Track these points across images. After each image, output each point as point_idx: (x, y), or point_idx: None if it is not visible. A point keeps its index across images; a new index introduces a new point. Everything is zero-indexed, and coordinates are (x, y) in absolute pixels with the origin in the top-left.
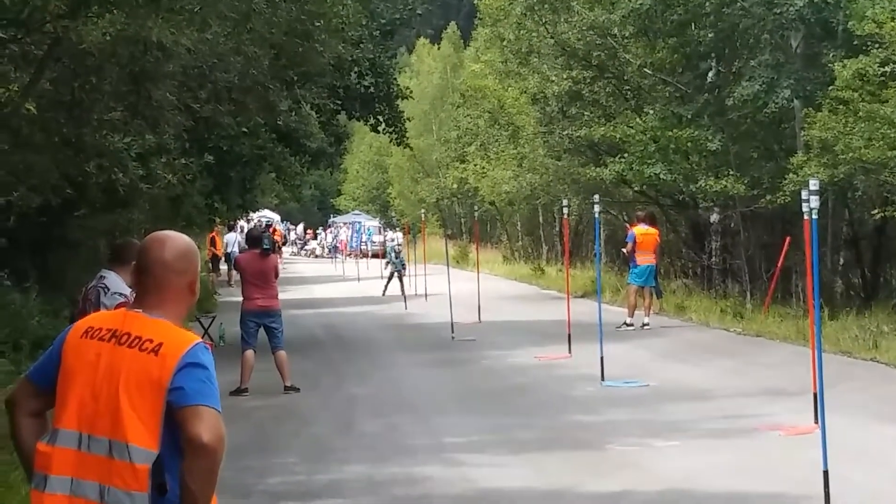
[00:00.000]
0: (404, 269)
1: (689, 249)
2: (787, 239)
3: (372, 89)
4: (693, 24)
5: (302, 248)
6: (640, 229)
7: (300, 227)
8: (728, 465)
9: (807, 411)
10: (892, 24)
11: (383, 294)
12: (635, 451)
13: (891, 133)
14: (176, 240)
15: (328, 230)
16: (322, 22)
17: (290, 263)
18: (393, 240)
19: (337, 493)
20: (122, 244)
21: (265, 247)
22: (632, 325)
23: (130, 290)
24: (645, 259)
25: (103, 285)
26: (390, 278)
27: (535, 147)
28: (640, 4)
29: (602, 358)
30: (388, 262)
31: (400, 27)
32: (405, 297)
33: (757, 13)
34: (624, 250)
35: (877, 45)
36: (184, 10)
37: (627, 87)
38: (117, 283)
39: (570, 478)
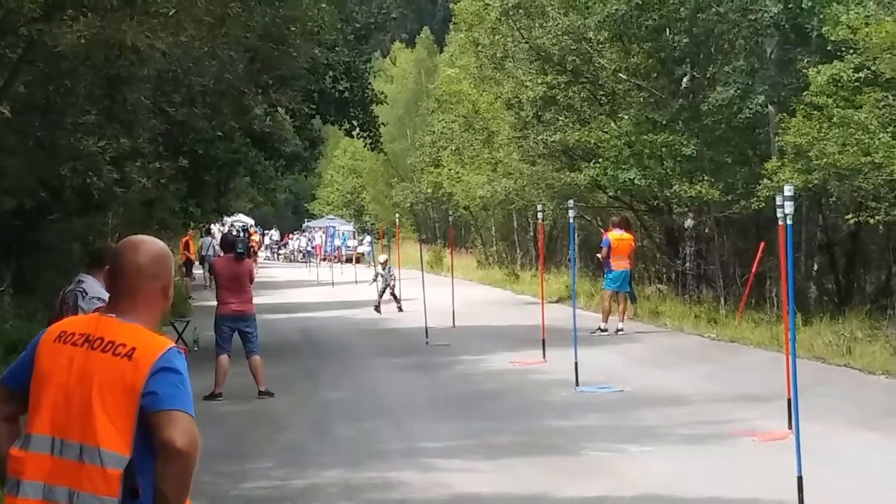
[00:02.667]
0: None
1: (663, 255)
2: (762, 244)
3: (346, 94)
4: (668, 30)
5: (277, 253)
6: (614, 234)
7: (275, 232)
8: (702, 470)
9: (781, 417)
10: (866, 29)
11: (378, 309)
12: (610, 456)
13: (865, 139)
14: (150, 244)
15: (303, 234)
16: (297, 26)
17: (265, 268)
18: (384, 261)
19: (312, 498)
20: (100, 249)
21: (239, 251)
22: (606, 330)
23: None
24: (620, 264)
25: (81, 289)
26: (383, 292)
27: (510, 152)
28: (615, 10)
29: (576, 363)
30: (376, 276)
31: (374, 31)
32: (398, 301)
33: (731, 19)
34: (599, 255)
35: (851, 51)
36: (158, 14)
37: (602, 93)
38: (95, 287)
39: (545, 483)
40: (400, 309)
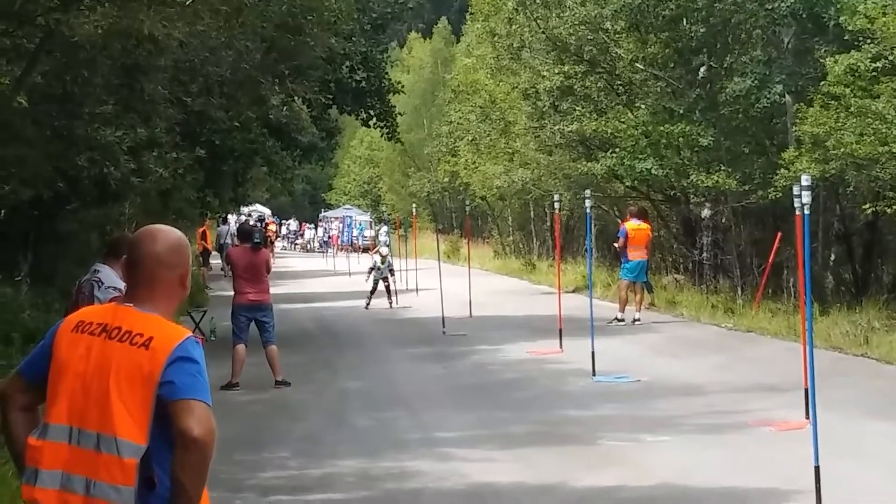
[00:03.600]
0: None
1: (680, 245)
2: (779, 234)
3: (363, 83)
4: (685, 19)
5: (294, 243)
6: (631, 224)
7: (293, 222)
8: (719, 460)
9: (798, 407)
10: (884, 19)
11: (368, 305)
12: (627, 446)
13: (882, 128)
14: (167, 233)
15: (319, 224)
16: (314, 16)
17: (281, 258)
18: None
19: (329, 488)
20: (117, 238)
21: (256, 241)
22: (623, 320)
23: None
24: (637, 254)
25: (97, 279)
26: (375, 287)
27: (527, 142)
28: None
29: (593, 353)
30: (372, 269)
31: (391, 21)
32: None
33: (749, 8)
34: (616, 245)
35: (868, 41)
36: (175, 4)
37: (619, 82)
38: (111, 276)
39: (562, 473)
40: (391, 305)
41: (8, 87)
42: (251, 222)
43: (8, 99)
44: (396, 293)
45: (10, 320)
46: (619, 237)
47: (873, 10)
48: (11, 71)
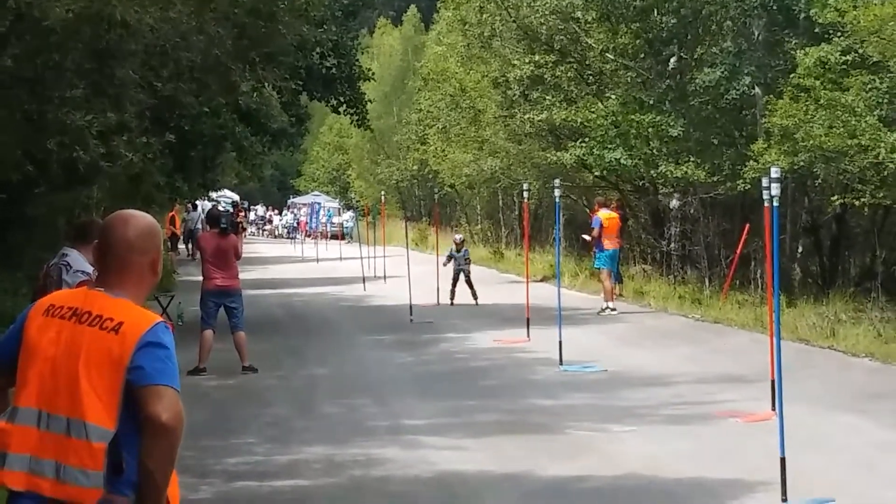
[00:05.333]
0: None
1: (648, 235)
2: (747, 226)
3: (334, 70)
4: (656, 10)
5: (262, 229)
6: (604, 214)
7: (261, 207)
8: (686, 451)
9: (764, 398)
10: (854, 12)
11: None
12: (593, 435)
13: (851, 121)
14: (139, 219)
15: (288, 210)
16: (285, 2)
17: (250, 244)
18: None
19: (296, 474)
20: (85, 222)
21: (223, 226)
22: (615, 309)
23: (92, 268)
24: (611, 243)
25: (65, 263)
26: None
27: (496, 131)
28: None
29: (560, 342)
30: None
31: (362, 8)
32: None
33: (719, 0)
34: (587, 236)
35: (838, 34)
36: None
37: (589, 72)
38: (79, 261)
39: (528, 462)
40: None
41: None
42: (221, 207)
43: None
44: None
45: None
46: (592, 227)
47: (844, 3)
48: None
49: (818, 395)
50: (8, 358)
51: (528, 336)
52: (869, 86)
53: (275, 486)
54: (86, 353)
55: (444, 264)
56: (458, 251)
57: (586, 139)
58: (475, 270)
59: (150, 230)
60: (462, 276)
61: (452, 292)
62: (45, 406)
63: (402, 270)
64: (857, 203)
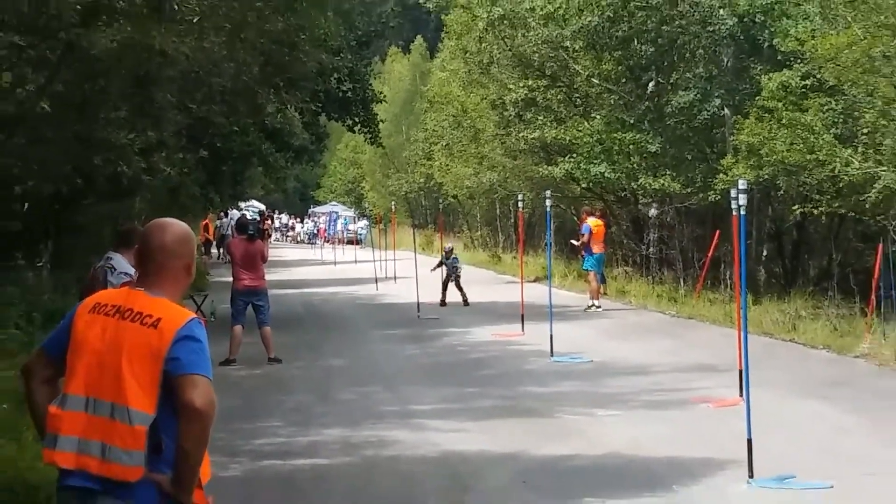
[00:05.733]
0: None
1: (629, 240)
2: (717, 232)
3: (349, 94)
4: (636, 40)
5: (286, 235)
6: (593, 221)
7: (284, 216)
8: (663, 433)
9: (733, 386)
10: (813, 41)
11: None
12: (581, 419)
13: (810, 138)
14: (175, 226)
15: (308, 219)
16: (306, 33)
17: (274, 248)
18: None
19: (315, 454)
20: (127, 229)
21: (250, 233)
22: (600, 306)
23: (134, 270)
24: (598, 248)
25: (110, 265)
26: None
27: (494, 147)
28: (589, 22)
29: (551, 336)
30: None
31: (374, 38)
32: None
33: (692, 31)
34: (575, 241)
35: (799, 61)
36: (183, 21)
37: (577, 95)
38: (122, 263)
39: (523, 443)
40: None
41: (33, 94)
42: (249, 216)
43: (33, 105)
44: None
45: (32, 302)
46: (583, 234)
47: (803, 33)
48: (36, 79)
49: (781, 383)
50: (58, 351)
51: (523, 330)
52: (826, 107)
53: (296, 465)
54: (128, 347)
55: (433, 269)
56: (447, 258)
57: (574, 155)
58: (476, 272)
59: (184, 236)
60: (452, 281)
61: (444, 295)
62: (92, 393)
63: (410, 272)
64: (815, 212)
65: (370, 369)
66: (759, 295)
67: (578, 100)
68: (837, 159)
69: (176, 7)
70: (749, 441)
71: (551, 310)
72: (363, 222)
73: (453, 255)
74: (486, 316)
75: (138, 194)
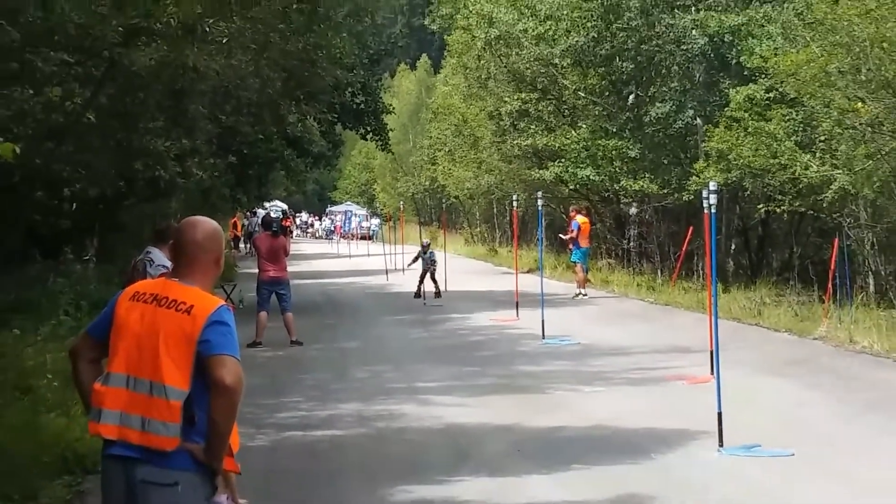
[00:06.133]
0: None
1: (612, 236)
2: (690, 228)
3: (362, 106)
4: (617, 58)
5: (306, 232)
6: (581, 218)
7: (304, 214)
8: (643, 407)
9: (705, 365)
10: (775, 59)
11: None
12: (569, 395)
13: (773, 145)
14: (205, 223)
15: (326, 217)
16: (324, 52)
17: (295, 244)
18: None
19: (333, 426)
20: (164, 227)
21: (274, 229)
22: (586, 294)
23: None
24: (585, 242)
25: (149, 259)
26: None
27: (491, 153)
28: (576, 41)
29: (543, 321)
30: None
31: (385, 56)
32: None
33: (668, 49)
34: (565, 236)
35: (763, 76)
36: (214, 41)
37: (565, 107)
38: (160, 257)
39: (517, 416)
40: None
41: (80, 106)
42: (273, 214)
43: (79, 116)
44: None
45: (80, 292)
46: (572, 229)
47: (767, 51)
48: (82, 93)
49: (748, 362)
50: (102, 334)
51: (518, 316)
52: (787, 117)
53: (315, 436)
54: (164, 330)
55: (410, 265)
56: (425, 253)
57: (563, 160)
58: (475, 264)
59: (214, 233)
60: (428, 275)
61: (420, 288)
62: (132, 372)
63: (417, 264)
64: (778, 210)
65: (381, 351)
66: (728, 284)
67: (566, 111)
68: (798, 163)
69: (207, 29)
70: (719, 414)
71: (543, 297)
72: (375, 220)
73: (430, 250)
74: (484, 303)
75: (174, 195)
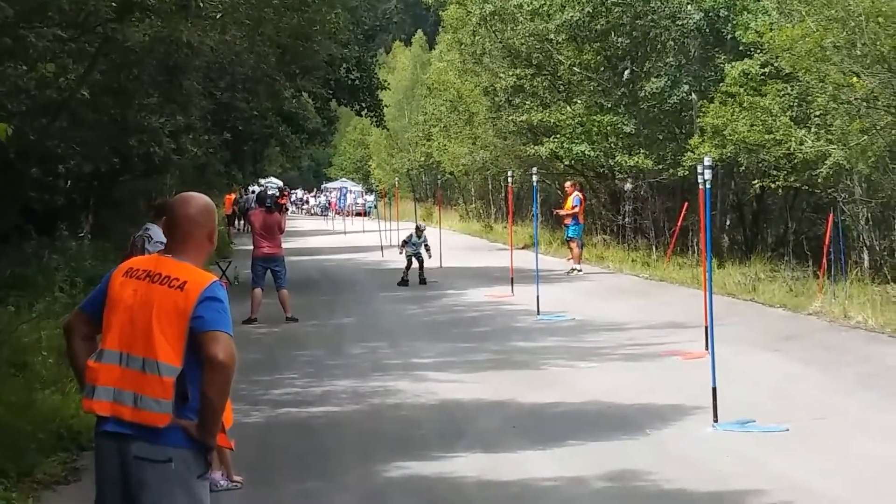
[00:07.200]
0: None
1: (607, 212)
2: (685, 204)
3: (357, 82)
4: (612, 33)
5: (301, 208)
6: (579, 194)
7: (299, 191)
8: (637, 382)
9: (699, 340)
10: (771, 34)
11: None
12: (564, 370)
13: (768, 120)
14: (198, 199)
15: (321, 193)
16: (318, 27)
17: (290, 220)
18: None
19: (328, 402)
20: (163, 203)
21: (268, 205)
22: (581, 270)
23: None
24: (582, 218)
25: (148, 235)
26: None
27: (486, 129)
28: (571, 17)
29: (538, 297)
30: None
31: (380, 32)
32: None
33: (663, 24)
34: (563, 212)
35: (758, 51)
36: (208, 17)
37: (560, 82)
38: (158, 233)
39: (513, 391)
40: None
41: (74, 82)
42: (270, 191)
43: (73, 92)
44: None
45: (75, 268)
46: (575, 206)
47: (762, 26)
48: (76, 69)
49: (742, 338)
50: (95, 310)
51: (513, 292)
52: (782, 92)
53: (311, 412)
54: (157, 306)
55: (401, 251)
56: (417, 237)
57: (558, 136)
58: (471, 240)
59: (206, 208)
60: (416, 261)
61: (405, 276)
62: (125, 349)
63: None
64: (772, 186)
65: (376, 327)
66: (722, 260)
67: (561, 86)
68: (793, 139)
69: (201, 4)
70: (714, 389)
71: (538, 273)
72: (370, 196)
73: (423, 235)
74: (479, 279)
75: (169, 172)
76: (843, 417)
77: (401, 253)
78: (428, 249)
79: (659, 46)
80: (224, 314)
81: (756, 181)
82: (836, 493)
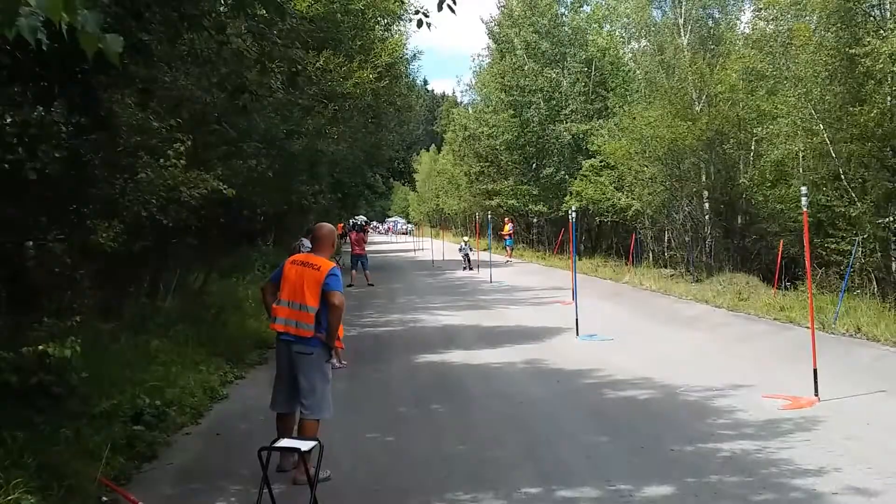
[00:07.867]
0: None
1: (525, 232)
2: (563, 230)
3: (402, 168)
4: (527, 146)
5: (375, 230)
6: (512, 224)
7: (374, 222)
8: (539, 316)
9: (569, 295)
10: (605, 146)
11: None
12: (503, 310)
13: (603, 189)
14: (326, 226)
15: (385, 223)
16: (385, 143)
17: (370, 237)
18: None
19: (387, 326)
20: (309, 227)
21: (359, 228)
22: (511, 262)
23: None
24: (511, 237)
25: (301, 243)
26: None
27: (465, 192)
28: (507, 137)
29: (490, 274)
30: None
31: (414, 144)
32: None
33: (552, 141)
34: (503, 233)
35: (599, 154)
36: (332, 137)
37: (501, 170)
38: (307, 243)
39: (478, 320)
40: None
41: (265, 168)
42: (360, 222)
43: (265, 173)
44: (469, 261)
45: (264, 260)
46: (510, 230)
47: (601, 143)
48: (267, 162)
49: (591, 294)
50: (276, 280)
51: (478, 272)
52: (610, 175)
53: (379, 330)
54: (307, 278)
55: (460, 252)
56: (465, 245)
57: (500, 195)
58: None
59: (330, 230)
60: (464, 258)
61: (466, 264)
62: (291, 298)
63: (429, 247)
64: (605, 220)
65: (412, 289)
66: (580, 256)
67: (502, 172)
68: (615, 197)
69: (327, 132)
70: (576, 319)
71: (491, 262)
72: (409, 225)
73: (469, 244)
74: (460, 265)
75: (311, 213)
76: (642, 333)
77: (460, 251)
78: (471, 249)
79: (551, 151)
80: (338, 281)
81: (597, 218)
82: (635, 368)
